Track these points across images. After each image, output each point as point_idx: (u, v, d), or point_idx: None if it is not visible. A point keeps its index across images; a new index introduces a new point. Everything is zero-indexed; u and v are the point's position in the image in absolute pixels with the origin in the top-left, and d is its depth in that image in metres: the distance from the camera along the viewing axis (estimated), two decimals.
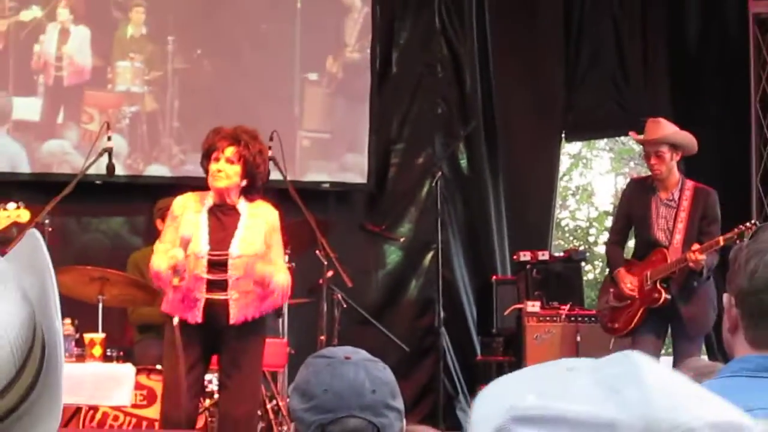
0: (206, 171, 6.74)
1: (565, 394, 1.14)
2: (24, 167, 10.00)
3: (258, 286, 6.64)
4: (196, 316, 6.58)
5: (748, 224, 7.45)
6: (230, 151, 6.64)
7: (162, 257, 6.58)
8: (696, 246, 7.66)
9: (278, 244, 6.83)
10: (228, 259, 6.60)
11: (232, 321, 6.59)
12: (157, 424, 7.30)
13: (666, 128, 8.01)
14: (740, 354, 2.47)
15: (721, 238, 7.53)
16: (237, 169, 6.65)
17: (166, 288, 6.67)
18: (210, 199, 6.76)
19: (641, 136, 8.14)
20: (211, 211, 6.73)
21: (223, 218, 6.71)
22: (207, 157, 6.72)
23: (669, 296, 7.89)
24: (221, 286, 6.60)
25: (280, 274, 6.69)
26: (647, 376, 1.15)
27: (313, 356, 2.88)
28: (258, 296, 6.70)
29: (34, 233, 1.76)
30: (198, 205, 6.73)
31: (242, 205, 6.76)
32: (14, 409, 1.61)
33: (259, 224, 6.74)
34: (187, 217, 6.69)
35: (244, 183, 6.72)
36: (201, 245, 6.60)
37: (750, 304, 2.42)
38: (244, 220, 6.72)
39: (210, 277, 6.59)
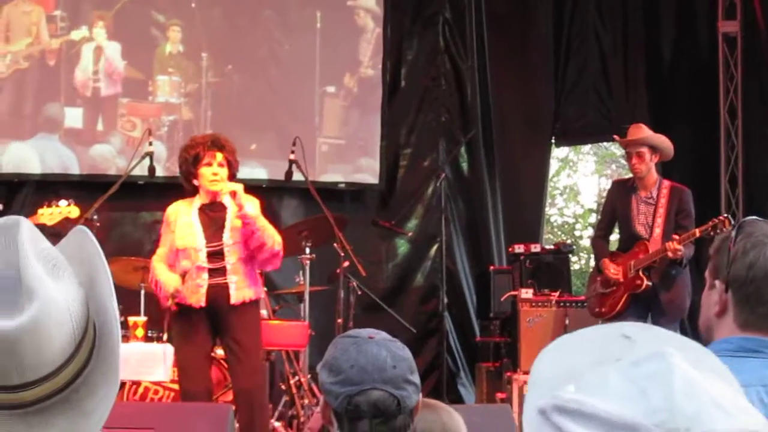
0: (194, 176, 6.80)
1: (600, 389, 1.15)
2: (74, 169, 10.00)
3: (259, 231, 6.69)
4: (200, 301, 6.62)
5: (720, 217, 7.45)
6: (220, 156, 6.76)
7: (163, 271, 6.71)
8: (675, 237, 7.63)
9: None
10: (224, 248, 6.70)
11: (232, 302, 6.67)
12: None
13: (646, 131, 8.03)
14: (723, 336, 2.44)
15: (697, 230, 7.52)
16: (226, 171, 6.78)
17: (159, 295, 6.73)
18: (198, 200, 6.84)
19: (624, 139, 8.14)
20: (201, 210, 6.81)
21: (212, 214, 6.80)
22: (195, 163, 6.77)
23: (650, 283, 7.87)
24: (221, 272, 6.69)
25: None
26: (677, 380, 1.13)
27: (340, 336, 2.90)
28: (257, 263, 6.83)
29: (81, 229, 1.81)
30: (188, 208, 6.81)
31: (227, 199, 6.82)
32: (74, 379, 1.65)
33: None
34: (181, 221, 6.77)
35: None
36: (198, 241, 6.70)
37: (747, 292, 2.40)
38: (230, 212, 6.79)
39: (210, 266, 6.68)
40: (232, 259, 6.70)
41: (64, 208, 7.34)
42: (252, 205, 6.72)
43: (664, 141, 8.03)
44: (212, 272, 6.68)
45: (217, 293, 6.65)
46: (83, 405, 1.65)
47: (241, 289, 6.71)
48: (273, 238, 6.74)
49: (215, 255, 6.70)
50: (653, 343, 1.19)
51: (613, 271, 8.04)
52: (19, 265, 1.58)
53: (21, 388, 1.58)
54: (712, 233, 7.30)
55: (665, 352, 1.16)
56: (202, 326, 6.69)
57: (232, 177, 6.83)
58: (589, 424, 1.13)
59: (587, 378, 1.16)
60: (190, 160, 6.79)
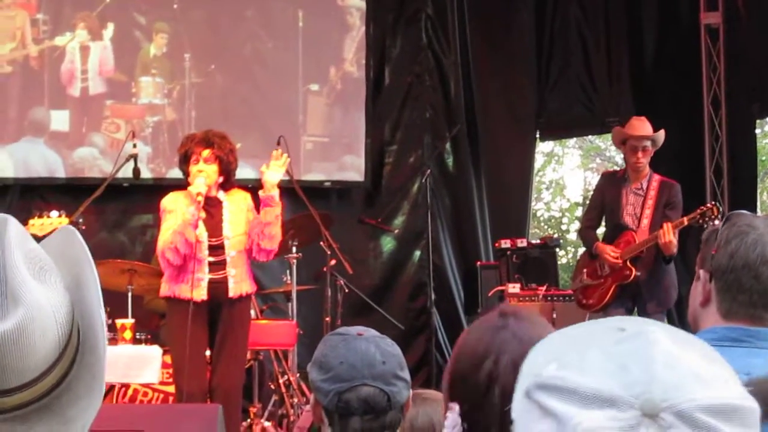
0: (186, 173, 6.91)
1: (580, 365, 1.15)
2: (60, 173, 9.99)
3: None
4: (202, 295, 6.67)
5: (708, 205, 7.51)
6: (206, 153, 6.82)
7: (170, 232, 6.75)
8: (667, 224, 7.63)
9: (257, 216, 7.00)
10: (224, 241, 6.82)
11: (230, 294, 6.78)
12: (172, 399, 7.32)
13: (650, 127, 8.03)
14: (707, 326, 2.47)
15: (685, 219, 7.56)
16: (214, 167, 6.82)
17: (174, 261, 6.75)
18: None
19: (630, 132, 8.10)
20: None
21: (209, 209, 6.87)
22: (186, 161, 6.88)
23: (638, 273, 7.89)
24: (221, 265, 6.78)
25: None
26: (657, 354, 1.14)
27: (330, 334, 2.91)
28: (255, 252, 6.93)
29: (68, 228, 1.76)
30: (186, 200, 6.84)
31: (221, 195, 6.95)
32: (56, 385, 1.62)
33: (240, 208, 6.95)
34: (181, 209, 6.80)
35: (221, 179, 6.90)
36: (201, 233, 6.77)
37: (728, 281, 2.43)
38: (227, 207, 6.91)
39: (211, 259, 6.77)
40: (232, 251, 6.82)
41: (55, 219, 7.38)
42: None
43: (661, 135, 8.08)
44: (212, 265, 6.77)
45: (217, 287, 6.75)
46: (65, 412, 1.63)
47: (239, 282, 6.82)
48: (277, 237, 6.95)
49: (215, 248, 6.80)
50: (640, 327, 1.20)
51: (612, 254, 8.01)
52: (5, 267, 1.56)
53: (3, 393, 1.56)
54: (700, 221, 7.39)
55: (647, 330, 1.17)
56: (200, 321, 6.72)
57: (224, 174, 6.89)
58: (569, 399, 1.13)
59: (568, 357, 1.17)
60: (181, 157, 6.93)
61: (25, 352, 1.55)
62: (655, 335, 1.16)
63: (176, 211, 6.77)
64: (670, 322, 8.81)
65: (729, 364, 2.31)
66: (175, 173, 9.81)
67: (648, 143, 7.97)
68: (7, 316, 1.54)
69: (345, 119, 10.64)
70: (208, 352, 6.99)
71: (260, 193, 6.93)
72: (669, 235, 7.58)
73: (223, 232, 6.82)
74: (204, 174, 6.76)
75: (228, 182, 6.97)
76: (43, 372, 1.59)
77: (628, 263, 7.93)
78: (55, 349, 1.59)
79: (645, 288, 7.90)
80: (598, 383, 1.13)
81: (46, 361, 1.59)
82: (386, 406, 2.74)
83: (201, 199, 6.67)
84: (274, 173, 6.93)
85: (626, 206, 8.08)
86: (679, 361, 1.14)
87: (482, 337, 2.28)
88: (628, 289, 7.96)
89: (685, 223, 7.55)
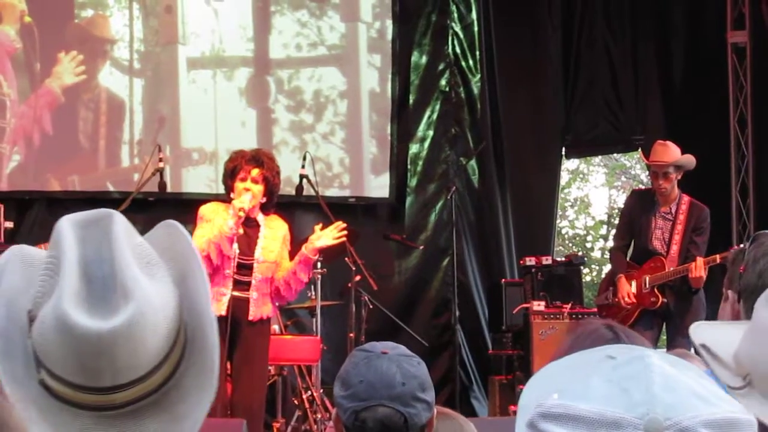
0: (230, 188, 6.86)
1: (583, 393, 1.18)
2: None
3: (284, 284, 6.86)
4: (221, 309, 6.63)
5: (742, 246, 7.44)
6: (255, 172, 6.79)
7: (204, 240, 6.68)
8: (700, 260, 7.56)
9: (287, 252, 7.02)
10: (254, 263, 6.80)
11: (250, 317, 6.76)
12: None
13: (673, 153, 7.91)
14: None
15: (718, 257, 7.47)
16: (261, 188, 6.81)
17: (216, 259, 6.68)
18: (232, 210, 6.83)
19: (650, 159, 8.06)
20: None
21: (246, 228, 6.84)
22: (232, 176, 6.83)
23: (665, 300, 7.85)
24: (245, 286, 6.78)
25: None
26: (656, 377, 1.17)
27: (357, 349, 2.89)
28: (273, 294, 6.94)
29: (172, 223, 1.74)
30: (226, 213, 6.80)
31: (260, 218, 6.93)
32: (165, 382, 1.62)
33: (276, 236, 6.92)
34: (218, 221, 6.75)
35: (264, 200, 6.87)
36: (233, 249, 6.73)
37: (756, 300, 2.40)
38: (263, 231, 6.89)
39: (237, 277, 6.75)
40: (258, 275, 6.80)
41: None
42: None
43: (689, 160, 7.97)
44: (237, 284, 6.75)
45: (238, 306, 6.71)
46: (175, 409, 1.62)
47: (259, 306, 6.80)
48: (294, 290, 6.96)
49: (244, 268, 6.78)
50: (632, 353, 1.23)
51: (627, 299, 7.98)
52: (114, 261, 1.55)
53: (113, 389, 1.56)
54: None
55: (643, 355, 1.20)
56: (220, 337, 6.67)
57: (268, 195, 6.87)
58: (575, 426, 1.16)
59: (570, 386, 1.19)
60: (228, 172, 6.89)
61: (137, 348, 1.54)
62: (651, 360, 1.19)
63: (213, 222, 6.76)
64: None
65: None
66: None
67: (670, 169, 7.87)
68: (119, 312, 1.53)
69: (372, 136, 10.64)
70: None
71: (303, 249, 6.89)
72: (700, 271, 7.53)
73: (255, 254, 6.80)
74: (251, 192, 6.75)
75: (270, 204, 6.95)
76: (153, 367, 1.58)
77: (655, 290, 7.90)
78: (165, 345, 1.59)
79: (676, 310, 7.86)
80: (601, 408, 1.16)
81: (157, 357, 1.58)
82: (403, 427, 2.71)
83: (243, 214, 6.63)
84: (324, 240, 6.89)
85: (655, 230, 8.02)
86: (677, 381, 1.18)
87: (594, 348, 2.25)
88: (659, 311, 7.93)
89: (718, 261, 7.47)
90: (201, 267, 1.68)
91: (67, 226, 1.60)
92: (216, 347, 1.65)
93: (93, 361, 1.53)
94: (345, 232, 6.98)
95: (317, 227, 6.98)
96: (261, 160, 6.83)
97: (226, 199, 6.89)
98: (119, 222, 1.61)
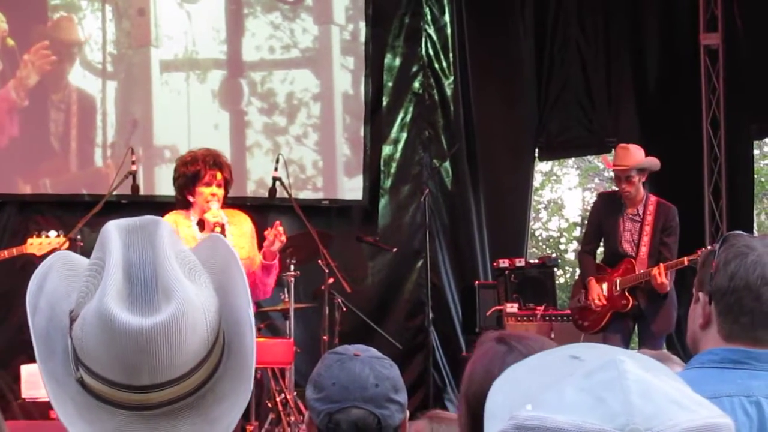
0: (191, 193, 6.75)
1: (558, 404, 1.15)
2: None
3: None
4: None
5: (710, 248, 7.44)
6: (219, 176, 6.73)
7: None
8: (662, 266, 7.59)
9: (255, 243, 6.98)
10: None
11: None
12: None
13: (635, 156, 7.92)
14: (707, 347, 2.45)
15: (685, 259, 7.50)
16: (222, 191, 6.75)
17: None
18: (194, 215, 6.79)
19: (612, 163, 8.10)
20: (199, 225, 6.77)
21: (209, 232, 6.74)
22: (194, 181, 6.72)
23: (636, 302, 7.88)
24: None
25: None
26: (631, 384, 1.15)
27: (328, 352, 2.90)
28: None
29: (215, 236, 1.82)
30: (186, 220, 6.76)
31: (222, 215, 6.80)
32: (202, 385, 1.63)
33: (242, 231, 6.86)
34: (182, 232, 6.66)
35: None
36: None
37: (729, 303, 2.41)
38: (229, 229, 6.74)
39: None
40: None
41: (54, 239, 7.42)
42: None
43: (651, 162, 7.99)
44: None
45: None
46: (209, 412, 1.63)
47: None
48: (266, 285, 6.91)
49: None
50: (601, 357, 1.20)
51: (597, 302, 8.01)
52: (157, 265, 1.58)
53: (150, 389, 1.57)
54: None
55: (616, 359, 1.17)
56: None
57: (226, 195, 6.83)
58: None
59: (543, 396, 1.16)
60: (189, 175, 6.74)
61: (176, 348, 1.56)
62: (624, 365, 1.16)
63: (178, 234, 6.69)
64: (670, 343, 8.80)
65: (729, 385, 2.30)
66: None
67: (633, 173, 7.89)
68: (160, 310, 1.55)
69: (346, 138, 10.63)
70: None
71: (261, 255, 6.83)
72: (662, 278, 7.55)
73: None
74: (216, 198, 6.69)
75: (225, 198, 6.91)
76: (191, 369, 1.59)
77: (625, 293, 7.93)
78: (203, 347, 1.60)
79: (647, 311, 7.88)
80: (578, 419, 1.13)
81: (195, 359, 1.59)
82: (376, 429, 2.73)
83: (219, 230, 6.50)
84: (276, 244, 6.76)
85: (624, 232, 8.05)
86: (654, 387, 1.16)
87: (491, 368, 2.24)
88: (630, 313, 7.95)
89: (685, 263, 7.50)
90: (243, 277, 1.72)
91: (113, 230, 1.64)
92: (253, 354, 1.67)
93: (132, 357, 1.54)
94: (281, 229, 6.82)
95: (267, 232, 6.83)
96: (221, 162, 6.76)
97: (183, 204, 6.82)
98: (164, 228, 1.64)
